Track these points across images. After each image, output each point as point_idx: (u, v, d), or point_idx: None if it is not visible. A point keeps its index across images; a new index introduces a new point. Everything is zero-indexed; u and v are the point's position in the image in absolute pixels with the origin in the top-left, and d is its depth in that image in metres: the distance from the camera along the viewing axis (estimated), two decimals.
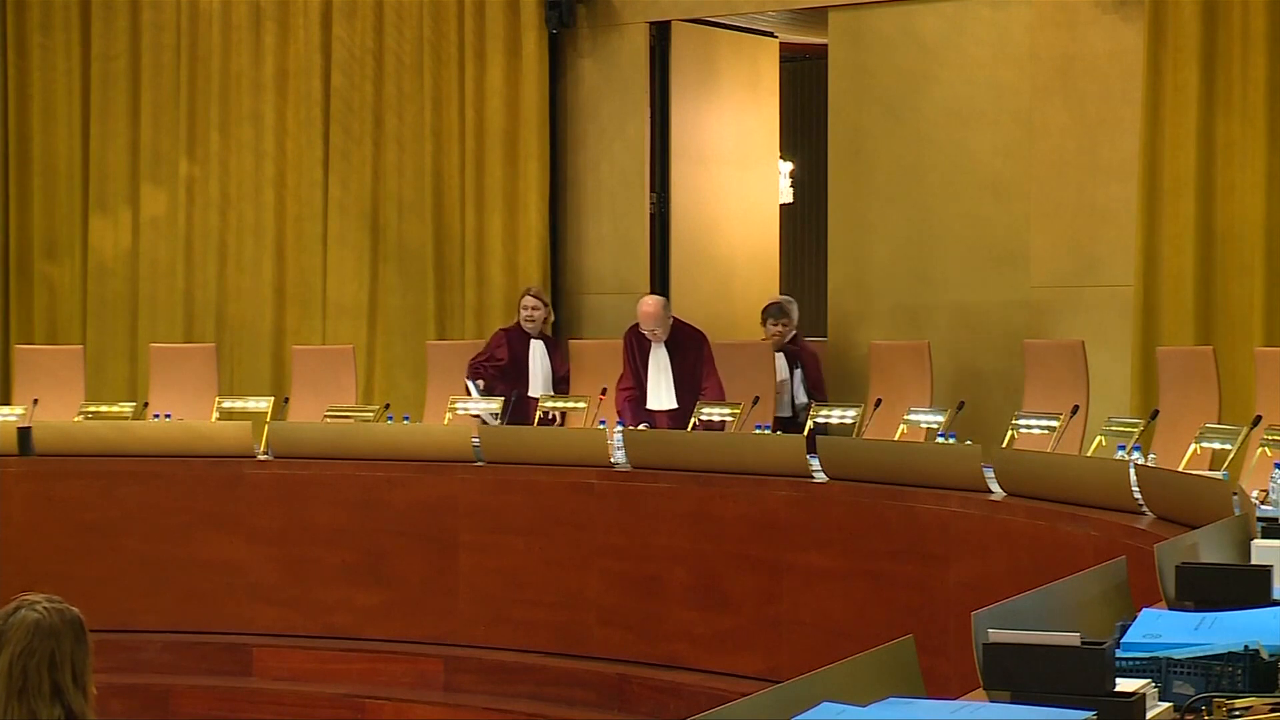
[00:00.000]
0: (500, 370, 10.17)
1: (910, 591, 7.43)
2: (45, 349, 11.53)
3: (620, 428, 8.99)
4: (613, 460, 8.64)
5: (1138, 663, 3.06)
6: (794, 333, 10.28)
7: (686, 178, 11.49)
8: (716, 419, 9.08)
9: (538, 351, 10.26)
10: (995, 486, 7.26)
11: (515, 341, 10.28)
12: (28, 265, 12.25)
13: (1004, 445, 8.02)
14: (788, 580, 7.95)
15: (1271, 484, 6.31)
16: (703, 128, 11.60)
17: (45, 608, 3.69)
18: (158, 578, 9.16)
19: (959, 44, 10.37)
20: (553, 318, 10.96)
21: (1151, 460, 7.27)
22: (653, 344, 9.76)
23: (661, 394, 9.73)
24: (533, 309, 10.27)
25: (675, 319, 9.90)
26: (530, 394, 10.01)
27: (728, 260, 11.73)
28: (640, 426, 9.25)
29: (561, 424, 9.81)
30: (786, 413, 10.02)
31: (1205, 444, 7.09)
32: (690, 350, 9.75)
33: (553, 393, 10.04)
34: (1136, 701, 2.85)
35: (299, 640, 8.98)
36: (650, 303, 9.85)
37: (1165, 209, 9.38)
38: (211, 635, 9.09)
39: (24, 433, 9.43)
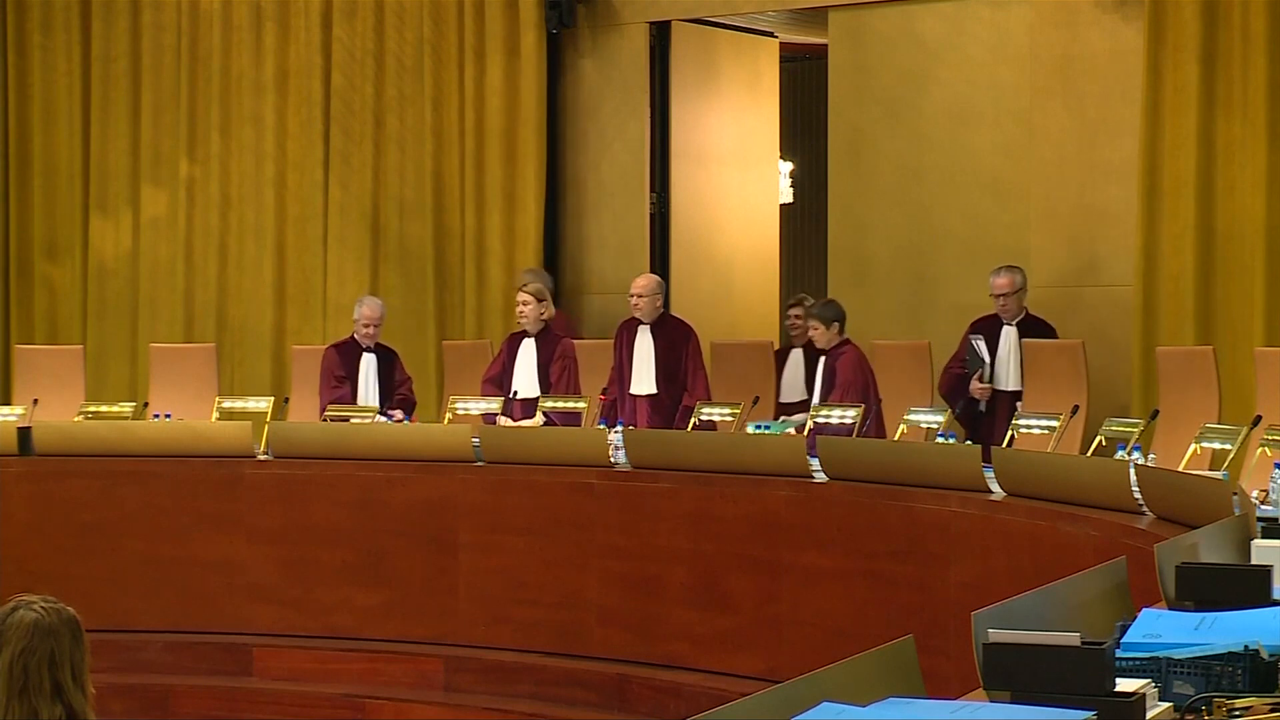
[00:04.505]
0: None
1: (910, 591, 7.42)
2: (45, 349, 11.53)
3: (620, 427, 9.00)
4: (613, 460, 8.63)
5: (1138, 663, 3.06)
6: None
7: (686, 178, 11.50)
8: (716, 419, 9.07)
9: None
10: (995, 486, 7.26)
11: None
12: (28, 265, 12.25)
13: (1004, 445, 8.03)
14: (788, 580, 7.95)
15: (1271, 484, 6.31)
16: (703, 128, 11.60)
17: (42, 607, 3.70)
18: (158, 578, 9.15)
19: (959, 44, 10.37)
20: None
21: (1151, 460, 7.27)
22: (639, 330, 9.79)
23: (643, 379, 9.76)
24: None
25: (666, 312, 9.95)
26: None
27: (728, 260, 11.74)
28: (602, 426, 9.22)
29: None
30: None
31: (1205, 444, 7.09)
32: (677, 341, 9.81)
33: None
34: (1136, 701, 2.85)
35: (299, 640, 8.98)
36: (645, 275, 10.06)
37: (1165, 209, 9.38)
38: (211, 635, 9.09)
39: (24, 433, 9.43)
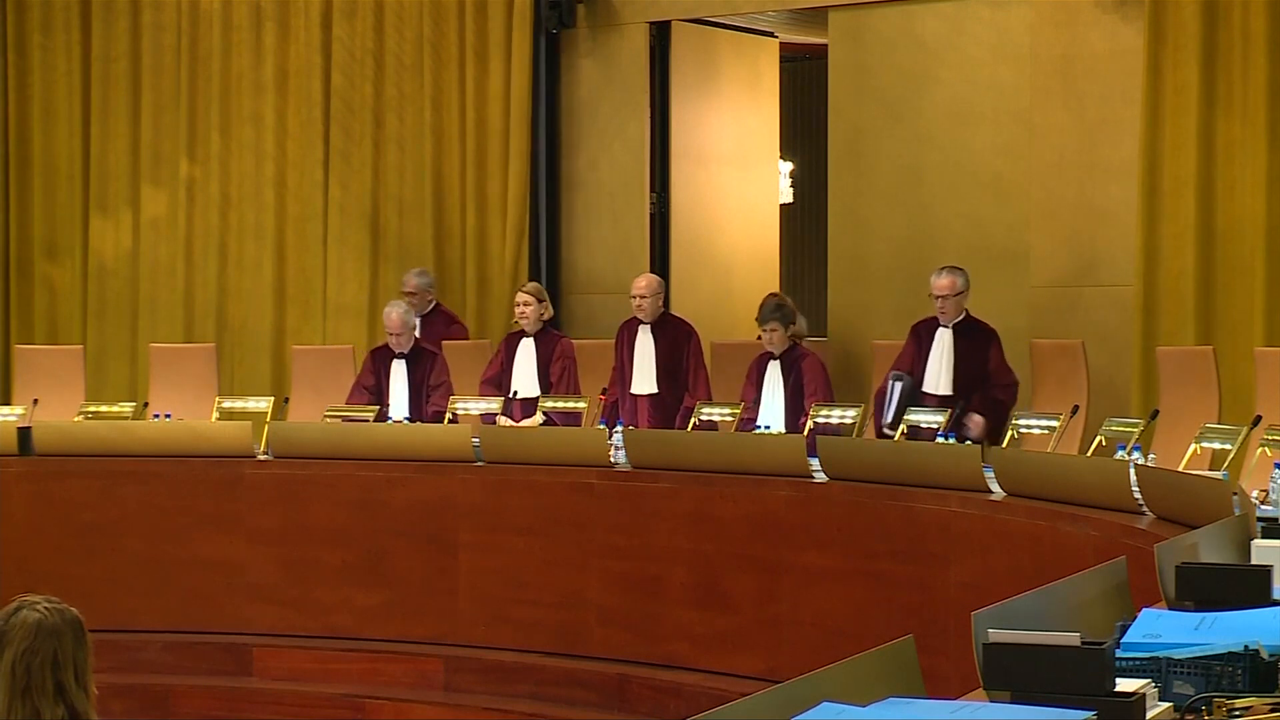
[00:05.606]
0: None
1: (910, 591, 7.43)
2: (45, 349, 11.53)
3: (620, 427, 9.00)
4: (613, 460, 8.64)
5: (1138, 663, 3.07)
6: None
7: (686, 178, 11.50)
8: (716, 419, 9.07)
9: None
10: (995, 486, 7.26)
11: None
12: (28, 265, 12.25)
13: (1004, 445, 8.03)
14: (788, 580, 7.95)
15: (1271, 484, 6.32)
16: (703, 128, 11.60)
17: (46, 608, 3.70)
18: (158, 578, 9.15)
19: (959, 44, 10.37)
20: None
21: (1151, 460, 7.27)
22: (639, 329, 9.79)
23: (644, 378, 9.76)
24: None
25: (667, 312, 9.94)
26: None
27: (728, 260, 11.74)
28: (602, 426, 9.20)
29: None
30: None
31: (1205, 444, 7.10)
32: (679, 341, 9.81)
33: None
34: (1136, 701, 2.85)
35: (299, 640, 8.98)
36: (645, 275, 10.05)
37: (1165, 209, 9.38)
38: (211, 635, 9.09)
39: (24, 433, 9.43)
